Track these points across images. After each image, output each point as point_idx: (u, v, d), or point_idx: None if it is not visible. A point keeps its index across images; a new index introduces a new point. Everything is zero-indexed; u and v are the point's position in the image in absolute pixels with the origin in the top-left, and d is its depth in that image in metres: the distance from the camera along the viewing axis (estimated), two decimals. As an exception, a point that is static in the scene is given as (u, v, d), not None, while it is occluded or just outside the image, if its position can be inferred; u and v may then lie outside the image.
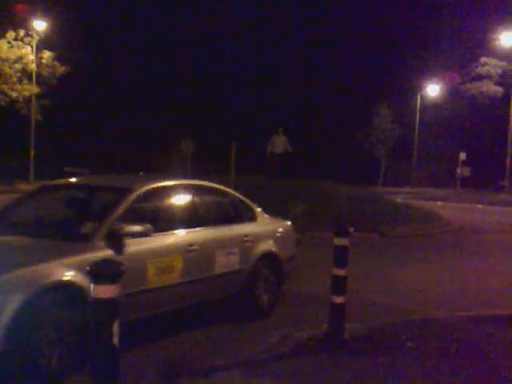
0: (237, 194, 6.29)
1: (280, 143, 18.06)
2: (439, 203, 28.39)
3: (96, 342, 2.68)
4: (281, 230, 6.49)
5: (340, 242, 4.79)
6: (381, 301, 6.76)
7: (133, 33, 49.06)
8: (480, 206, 27.05)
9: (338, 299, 4.77)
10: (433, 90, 49.61)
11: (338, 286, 4.77)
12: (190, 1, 56.64)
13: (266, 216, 6.50)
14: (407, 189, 45.35)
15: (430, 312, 6.25)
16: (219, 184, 6.32)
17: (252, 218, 6.23)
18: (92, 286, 2.63)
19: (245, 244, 5.75)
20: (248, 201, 6.34)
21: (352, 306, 5.90)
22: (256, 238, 5.94)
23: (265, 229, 6.29)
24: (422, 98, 49.92)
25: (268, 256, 6.03)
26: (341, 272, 4.75)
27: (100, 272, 2.61)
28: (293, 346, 4.78)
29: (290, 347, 4.74)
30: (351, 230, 4.86)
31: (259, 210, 6.45)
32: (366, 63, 53.05)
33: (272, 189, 16.82)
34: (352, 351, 4.65)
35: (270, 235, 6.25)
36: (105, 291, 2.61)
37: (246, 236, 5.84)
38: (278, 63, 54.62)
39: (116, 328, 2.68)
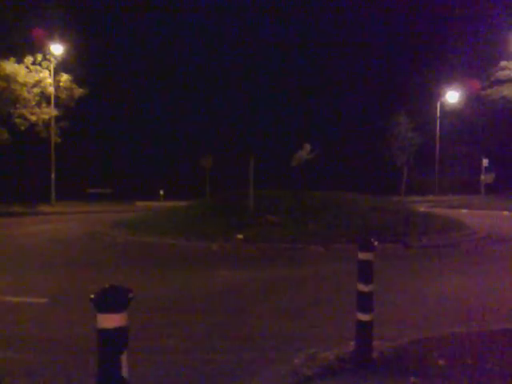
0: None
1: (302, 158, 18.20)
2: (464, 211, 27.82)
3: (103, 375, 2.48)
4: None
5: (365, 256, 4.54)
6: (409, 316, 6.45)
7: (149, 51, 49.45)
8: (506, 212, 26.40)
9: (365, 317, 4.51)
10: (452, 96, 49.03)
11: (364, 302, 4.51)
12: (205, 22, 56.91)
13: None
14: (430, 197, 44.68)
15: (461, 327, 5.91)
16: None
17: None
18: (97, 315, 2.44)
19: None
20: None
21: (379, 322, 5.64)
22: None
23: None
24: (441, 104, 49.36)
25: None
26: (366, 288, 4.49)
27: (106, 300, 2.42)
28: (319, 367, 4.53)
29: (317, 370, 4.48)
30: (376, 243, 4.61)
31: None
32: (384, 71, 52.71)
33: (294, 201, 16.64)
34: (381, 371, 4.38)
35: None
36: (111, 320, 2.42)
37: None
38: (298, 74, 54.59)
39: (125, 360, 2.48)
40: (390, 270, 9.63)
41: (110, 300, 2.43)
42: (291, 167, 18.43)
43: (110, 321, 2.43)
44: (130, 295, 2.47)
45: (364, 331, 4.52)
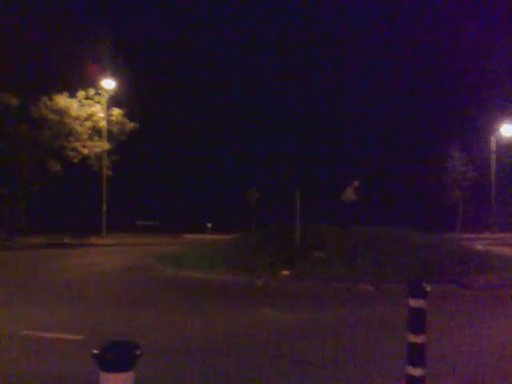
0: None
1: (352, 195, 17.83)
2: (523, 249, 26.42)
3: None
4: None
5: (416, 303, 4.06)
6: (464, 370, 5.81)
7: (197, 86, 50.26)
8: None
9: (416, 371, 4.01)
10: (507, 130, 47.51)
11: (415, 355, 4.02)
12: (249, 61, 57.67)
13: None
14: (487, 235, 42.89)
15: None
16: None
17: None
18: (100, 373, 2.11)
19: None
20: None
21: (432, 377, 5.09)
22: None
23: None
24: (496, 138, 47.86)
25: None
26: (418, 339, 4.00)
27: (109, 357, 2.09)
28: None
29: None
30: (429, 288, 4.13)
31: None
32: (437, 105, 51.74)
33: (342, 236, 16.14)
34: None
35: None
36: (115, 380, 2.08)
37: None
38: (347, 107, 54.26)
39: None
40: (445, 314, 8.95)
41: (115, 357, 2.10)
42: (340, 202, 18.03)
43: (113, 381, 2.09)
44: (138, 352, 2.13)
45: (415, 388, 4.02)
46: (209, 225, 39.15)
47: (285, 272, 13.16)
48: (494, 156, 47.52)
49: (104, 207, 32.47)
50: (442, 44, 55.46)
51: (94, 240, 30.17)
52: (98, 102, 31.49)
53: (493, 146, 47.68)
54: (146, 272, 15.14)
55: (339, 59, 56.85)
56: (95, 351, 2.10)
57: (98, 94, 31.44)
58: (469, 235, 39.15)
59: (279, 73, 56.09)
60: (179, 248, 20.03)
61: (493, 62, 44.63)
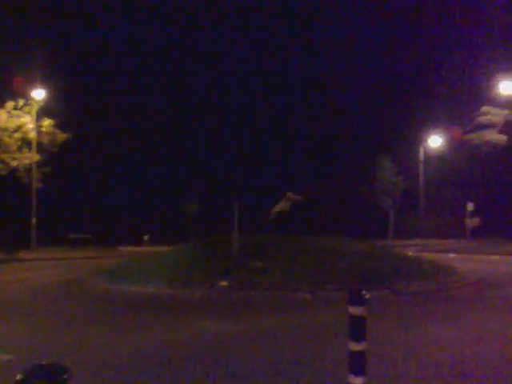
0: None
1: (287, 206, 18.07)
2: (452, 255, 27.54)
3: None
4: None
5: (356, 311, 4.12)
6: (402, 374, 5.96)
7: (130, 97, 49.59)
8: (493, 256, 26.16)
9: (357, 380, 4.05)
10: (435, 141, 49.59)
11: (356, 363, 4.06)
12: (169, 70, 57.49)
13: None
14: (417, 241, 44.46)
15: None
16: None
17: None
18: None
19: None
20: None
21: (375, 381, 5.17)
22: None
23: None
24: (424, 149, 49.82)
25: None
26: (359, 347, 4.05)
27: (34, 383, 1.94)
28: None
29: None
30: (368, 296, 4.19)
31: None
32: (368, 116, 53.35)
33: (279, 246, 16.24)
34: None
35: None
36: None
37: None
38: (282, 119, 54.98)
39: None
40: (379, 320, 9.15)
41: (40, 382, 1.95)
42: (274, 213, 18.22)
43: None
44: (66, 376, 2.00)
45: (357, 396, 4.06)
46: (145, 237, 38.47)
47: (223, 283, 13.07)
48: (421, 166, 49.43)
49: (34, 220, 31.25)
50: (374, 54, 57.35)
51: (23, 255, 28.93)
52: (28, 113, 30.39)
53: (421, 156, 49.61)
54: (80, 287, 14.66)
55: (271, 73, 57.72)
56: (18, 377, 1.95)
57: (27, 104, 30.34)
58: (400, 242, 40.46)
59: (213, 86, 56.24)
60: (115, 261, 19.53)
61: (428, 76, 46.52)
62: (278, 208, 18.23)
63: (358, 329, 4.09)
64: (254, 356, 6.78)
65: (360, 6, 63.47)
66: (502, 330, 8.34)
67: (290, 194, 18.41)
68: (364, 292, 4.20)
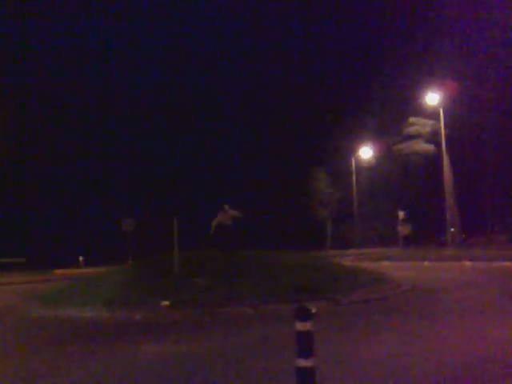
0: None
1: (227, 219, 17.98)
2: (386, 263, 28.34)
3: None
4: None
5: (303, 326, 4.17)
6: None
7: (60, 109, 48.14)
8: (426, 263, 27.15)
9: (307, 396, 4.10)
10: (365, 152, 51.20)
11: (306, 380, 4.11)
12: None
13: None
14: (353, 251, 45.50)
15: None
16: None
17: None
18: None
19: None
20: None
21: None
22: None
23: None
24: (356, 160, 51.25)
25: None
26: (307, 363, 4.10)
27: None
28: None
29: None
30: (314, 310, 4.27)
31: None
32: (303, 129, 54.22)
33: (221, 262, 16.17)
34: None
35: None
36: None
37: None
38: (220, 130, 55.01)
39: None
40: (321, 332, 9.28)
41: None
42: (215, 227, 18.15)
43: None
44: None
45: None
46: (81, 258, 37.34)
47: (165, 302, 12.86)
48: (354, 177, 50.82)
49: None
50: (308, 66, 58.45)
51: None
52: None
53: (353, 167, 51.03)
54: (12, 314, 14.01)
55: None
56: None
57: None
58: (337, 252, 41.27)
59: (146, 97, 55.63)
60: (49, 285, 18.85)
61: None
62: (215, 222, 18.14)
63: (305, 345, 4.14)
64: (191, 378, 6.69)
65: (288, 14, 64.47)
66: (432, 336, 8.64)
67: (226, 207, 18.35)
68: (310, 307, 4.28)
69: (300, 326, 4.18)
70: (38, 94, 46.21)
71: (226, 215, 18.19)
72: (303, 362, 4.10)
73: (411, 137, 41.97)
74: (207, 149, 53.58)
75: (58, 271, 33.08)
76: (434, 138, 39.91)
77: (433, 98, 37.96)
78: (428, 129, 40.56)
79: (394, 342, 8.25)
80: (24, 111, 43.58)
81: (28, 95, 45.55)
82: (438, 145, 39.28)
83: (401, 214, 44.40)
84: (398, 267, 24.37)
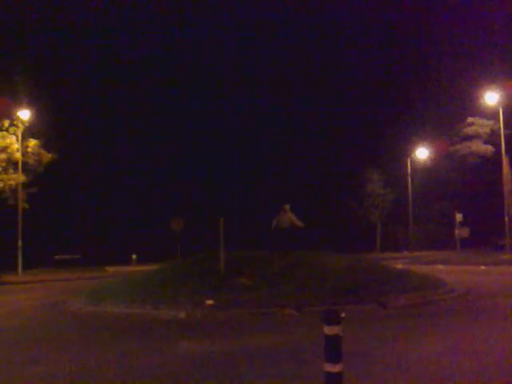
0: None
1: (286, 219, 17.70)
2: (440, 267, 27.50)
3: None
4: None
5: (331, 330, 4.00)
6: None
7: (115, 116, 49.46)
8: (483, 267, 26.15)
9: (335, 402, 3.92)
10: (422, 153, 49.83)
11: (333, 385, 3.93)
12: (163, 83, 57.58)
13: None
14: (406, 253, 44.45)
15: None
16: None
17: None
18: None
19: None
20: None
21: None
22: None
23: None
24: (412, 161, 50.01)
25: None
26: (335, 368, 3.93)
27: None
28: None
29: None
30: (343, 314, 4.08)
31: None
32: (356, 129, 53.48)
33: (267, 262, 16.06)
34: None
35: None
36: None
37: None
38: (270, 132, 55.01)
39: None
40: (367, 335, 9.04)
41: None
42: (273, 228, 17.88)
43: None
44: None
45: (335, 419, 3.93)
46: (134, 256, 38.13)
47: (209, 302, 12.87)
48: (409, 178, 49.59)
49: (20, 243, 30.83)
50: (361, 68, 57.69)
51: (9, 278, 28.49)
52: (13, 134, 30.17)
53: (408, 168, 49.80)
54: (63, 309, 14.39)
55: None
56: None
57: (12, 125, 30.13)
58: (388, 254, 40.40)
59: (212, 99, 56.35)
60: (100, 282, 19.27)
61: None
62: (275, 221, 17.86)
63: (334, 349, 3.97)
64: (234, 378, 6.62)
65: (337, 28, 64.16)
66: (490, 342, 8.23)
67: (287, 207, 18.07)
68: (339, 310, 4.09)
69: (328, 330, 4.01)
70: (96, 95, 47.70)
71: (285, 215, 17.89)
72: (331, 367, 3.93)
73: (469, 137, 40.56)
74: (257, 150, 53.65)
75: (110, 268, 33.87)
76: (492, 138, 38.39)
77: (492, 98, 36.49)
78: (487, 129, 39.05)
79: (439, 347, 7.90)
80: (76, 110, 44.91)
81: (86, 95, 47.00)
82: (496, 146, 37.77)
83: (459, 216, 42.90)
84: (453, 271, 23.59)
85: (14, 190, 30.52)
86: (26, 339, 10.15)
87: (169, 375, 6.96)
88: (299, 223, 17.67)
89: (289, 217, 17.77)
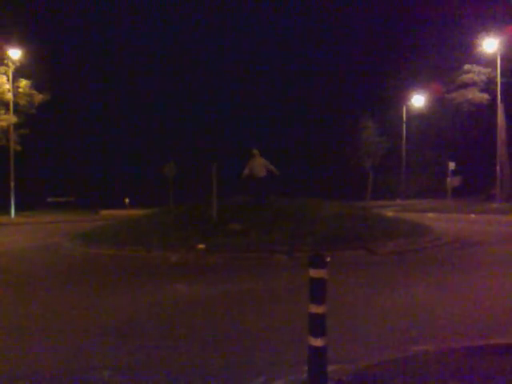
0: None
1: (259, 166, 16.82)
2: (431, 215, 27.84)
3: None
4: None
5: (316, 273, 4.08)
6: (372, 333, 6.01)
7: (112, 56, 48.59)
8: (473, 215, 26.51)
9: (317, 341, 4.04)
10: (418, 100, 49.42)
11: (316, 326, 4.05)
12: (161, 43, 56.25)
13: None
14: (397, 201, 44.86)
15: (426, 345, 5.48)
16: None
17: None
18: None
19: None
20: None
21: (339, 342, 5.21)
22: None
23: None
24: (407, 109, 49.69)
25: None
26: (319, 309, 4.03)
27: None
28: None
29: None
30: (329, 259, 4.16)
31: None
32: (351, 76, 52.89)
33: (258, 209, 16.19)
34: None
35: None
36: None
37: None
38: (264, 79, 54.40)
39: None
40: (352, 280, 9.25)
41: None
42: (243, 177, 17.19)
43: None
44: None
45: (317, 357, 4.06)
46: (127, 200, 38.30)
47: (201, 246, 13.06)
48: (404, 126, 49.41)
49: (12, 184, 30.85)
50: (356, 15, 56.50)
51: (1, 219, 28.71)
52: (4, 73, 29.61)
53: (404, 115, 49.54)
54: (56, 251, 14.58)
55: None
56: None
57: (3, 64, 29.53)
58: (380, 202, 40.77)
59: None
60: (93, 225, 19.45)
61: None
62: (247, 169, 17.19)
63: (318, 291, 4.07)
64: (222, 319, 6.79)
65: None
66: (469, 289, 8.44)
67: (255, 152, 17.14)
68: (325, 254, 4.17)
69: (313, 272, 4.10)
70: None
71: (256, 161, 16.97)
72: (315, 308, 4.04)
73: (465, 85, 40.08)
74: (249, 94, 53.07)
75: (104, 212, 34.10)
76: (489, 87, 37.97)
77: (491, 45, 35.84)
78: (483, 77, 38.56)
79: (422, 293, 8.10)
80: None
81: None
82: (493, 94, 37.44)
83: (451, 164, 42.96)
84: (443, 219, 23.92)
85: (5, 131, 30.26)
86: (18, 280, 10.32)
87: (163, 313, 7.14)
88: (274, 170, 16.92)
89: (261, 162, 16.89)
